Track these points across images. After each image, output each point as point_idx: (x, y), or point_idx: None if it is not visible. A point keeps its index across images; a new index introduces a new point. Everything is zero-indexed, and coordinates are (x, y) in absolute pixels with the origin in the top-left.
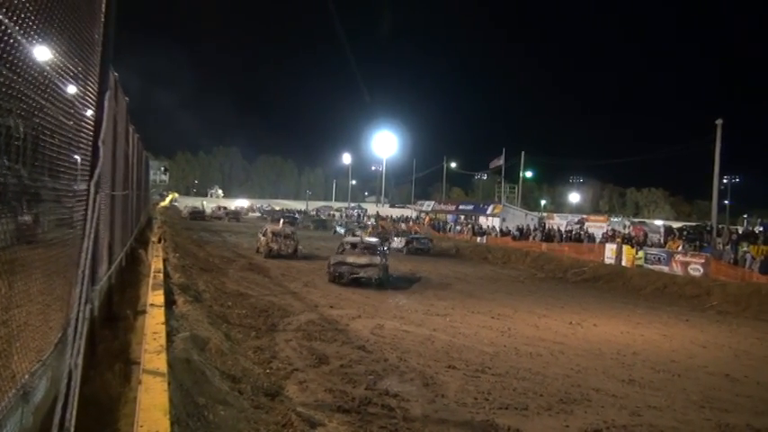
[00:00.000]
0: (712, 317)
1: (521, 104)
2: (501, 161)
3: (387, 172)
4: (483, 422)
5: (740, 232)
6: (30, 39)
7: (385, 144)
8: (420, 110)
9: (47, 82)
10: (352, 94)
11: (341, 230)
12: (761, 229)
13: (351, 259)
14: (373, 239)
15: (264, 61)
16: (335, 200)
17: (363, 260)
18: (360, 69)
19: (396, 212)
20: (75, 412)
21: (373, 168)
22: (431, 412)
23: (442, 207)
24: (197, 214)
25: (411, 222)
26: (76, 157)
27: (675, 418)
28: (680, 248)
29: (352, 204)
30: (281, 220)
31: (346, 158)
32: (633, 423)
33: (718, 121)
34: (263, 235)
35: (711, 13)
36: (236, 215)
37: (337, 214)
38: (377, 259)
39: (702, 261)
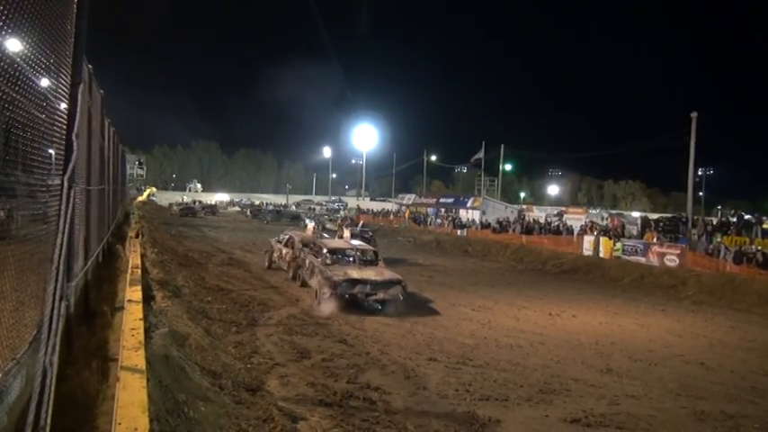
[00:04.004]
0: (688, 306)
1: (500, 98)
2: (481, 154)
3: (367, 165)
4: (464, 413)
5: (714, 223)
6: None
7: (365, 137)
8: (400, 103)
9: (17, 74)
10: (332, 88)
11: (311, 224)
12: (734, 220)
13: (356, 274)
14: (358, 242)
15: (244, 54)
16: (316, 193)
17: (372, 274)
18: (340, 62)
19: (376, 206)
20: (50, 410)
21: (354, 162)
22: (412, 404)
23: (423, 200)
24: (188, 211)
25: (391, 216)
26: (50, 151)
27: (652, 407)
28: (656, 240)
29: (333, 198)
30: (311, 225)
31: (327, 152)
32: (611, 412)
33: (693, 115)
34: (288, 246)
35: (686, 7)
36: (213, 208)
37: (318, 208)
38: (389, 273)
39: (678, 252)
